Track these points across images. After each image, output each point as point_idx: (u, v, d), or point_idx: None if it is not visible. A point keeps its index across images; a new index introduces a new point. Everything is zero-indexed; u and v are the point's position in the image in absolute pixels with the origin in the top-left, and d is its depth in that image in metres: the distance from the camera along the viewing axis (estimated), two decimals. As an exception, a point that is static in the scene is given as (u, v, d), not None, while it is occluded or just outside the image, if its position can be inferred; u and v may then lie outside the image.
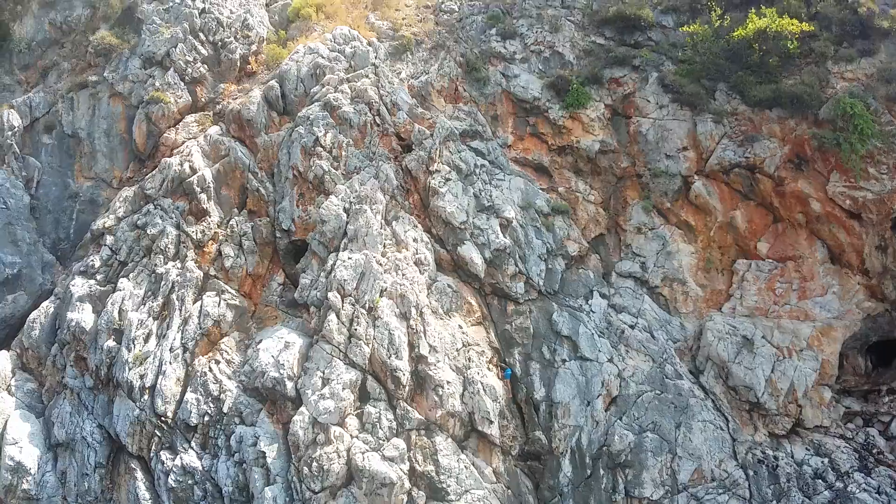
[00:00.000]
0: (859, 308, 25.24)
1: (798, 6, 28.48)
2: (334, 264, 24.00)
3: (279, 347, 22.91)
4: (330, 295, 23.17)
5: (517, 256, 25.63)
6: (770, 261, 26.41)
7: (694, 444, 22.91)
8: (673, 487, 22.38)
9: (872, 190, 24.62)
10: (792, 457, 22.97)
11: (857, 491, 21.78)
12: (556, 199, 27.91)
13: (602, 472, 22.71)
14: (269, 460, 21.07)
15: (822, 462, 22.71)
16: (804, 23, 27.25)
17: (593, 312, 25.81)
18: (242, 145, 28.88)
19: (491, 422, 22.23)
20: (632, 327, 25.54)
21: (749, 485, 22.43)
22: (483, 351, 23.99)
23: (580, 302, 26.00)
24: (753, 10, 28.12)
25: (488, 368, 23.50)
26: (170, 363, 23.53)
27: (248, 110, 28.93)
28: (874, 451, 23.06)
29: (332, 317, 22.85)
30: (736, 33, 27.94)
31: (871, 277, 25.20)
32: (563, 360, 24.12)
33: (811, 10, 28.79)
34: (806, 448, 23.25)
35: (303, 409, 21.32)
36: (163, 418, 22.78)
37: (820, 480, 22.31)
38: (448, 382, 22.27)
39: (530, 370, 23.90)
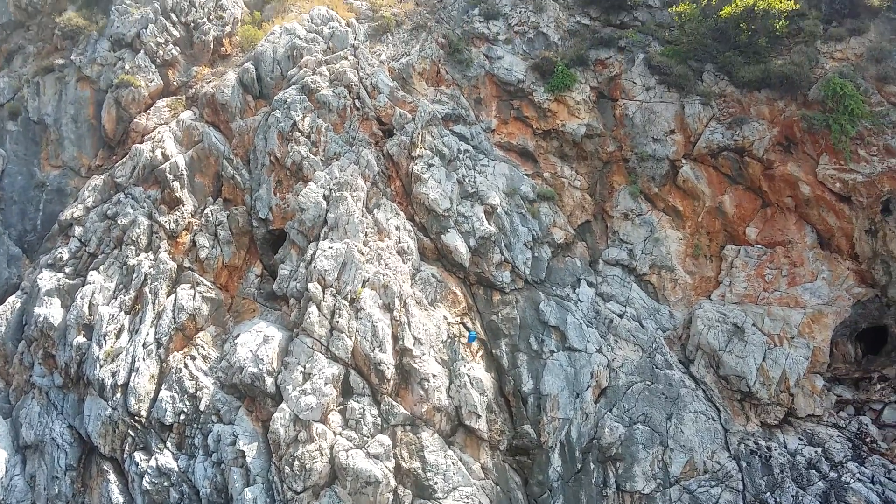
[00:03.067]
0: (849, 294, 24.82)
1: (786, -16, 27.89)
2: (314, 254, 23.15)
3: (258, 341, 22.08)
4: (310, 286, 22.33)
5: (502, 244, 24.92)
6: (759, 246, 25.92)
7: (685, 436, 22.43)
8: (665, 480, 21.89)
9: (863, 172, 24.14)
10: (785, 447, 22.57)
11: (852, 481, 21.41)
12: (542, 184, 27.20)
13: (592, 465, 22.18)
14: (248, 460, 20.30)
15: (816, 452, 22.32)
16: (792, 1, 26.62)
17: (581, 301, 25.21)
18: (217, 131, 27.85)
19: (478, 416, 21.60)
20: (620, 316, 24.97)
21: (742, 476, 21.99)
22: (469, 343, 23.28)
23: (567, 291, 25.38)
24: (741, -12, 27.49)
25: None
26: (143, 360, 22.62)
27: (222, 94, 27.88)
28: (867, 439, 22.71)
29: (312, 309, 22.03)
30: (723, 12, 27.25)
31: (861, 262, 24.78)
32: (551, 351, 23.49)
33: (799, -12, 28.21)
34: (799, 438, 22.86)
35: (283, 405, 20.53)
36: (136, 417, 21.89)
37: (814, 471, 21.92)
38: (434, 376, 21.58)
39: (518, 362, 23.25)
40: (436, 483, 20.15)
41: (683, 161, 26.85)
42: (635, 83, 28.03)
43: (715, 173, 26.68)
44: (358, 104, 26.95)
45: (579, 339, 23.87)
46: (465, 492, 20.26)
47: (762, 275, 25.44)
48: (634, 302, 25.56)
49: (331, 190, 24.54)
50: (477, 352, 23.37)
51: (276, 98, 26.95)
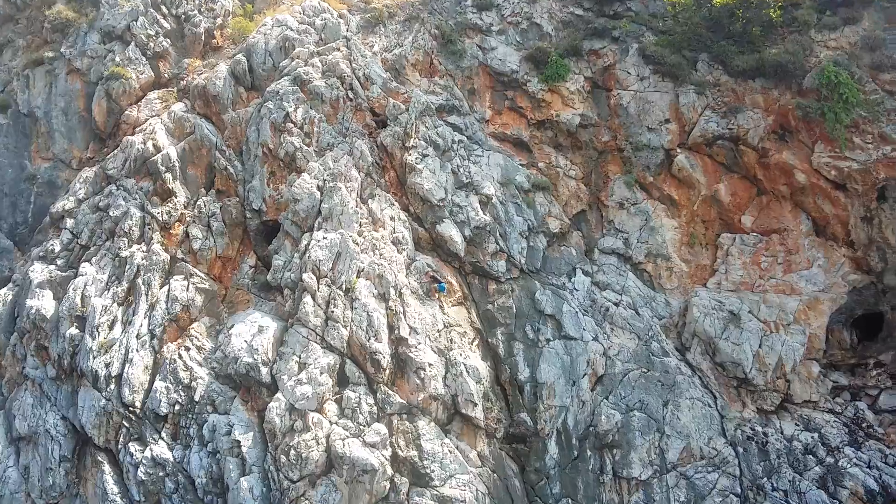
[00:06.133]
0: (845, 281, 24.84)
1: (780, -27, 27.88)
2: (308, 245, 23.02)
3: (252, 332, 21.92)
4: (305, 276, 22.20)
5: (498, 234, 24.83)
6: (755, 234, 25.92)
7: (682, 423, 22.39)
8: (661, 467, 21.85)
9: (858, 160, 24.15)
10: (781, 432, 22.55)
11: (849, 465, 21.41)
12: (537, 174, 27.12)
13: (589, 452, 22.11)
14: (244, 449, 20.16)
15: (812, 437, 22.32)
16: (786, -10, 26.66)
17: (577, 290, 25.14)
18: (209, 122, 27.69)
19: (475, 404, 21.50)
20: (616, 304, 24.92)
21: (739, 462, 21.97)
22: (465, 332, 23.23)
23: (563, 280, 25.31)
24: (735, -22, 27.45)
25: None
26: (137, 351, 22.43)
27: (213, 85, 27.72)
28: (863, 424, 22.72)
29: (307, 299, 21.89)
30: (717, 1, 27.25)
31: (857, 249, 24.79)
32: (548, 340, 23.42)
33: (793, -23, 28.19)
34: (795, 423, 22.84)
35: (279, 395, 20.39)
36: (130, 408, 21.71)
37: (810, 456, 21.91)
38: (430, 365, 21.47)
39: (514, 350, 23.16)
40: (432, 471, 20.04)
41: (678, 150, 26.83)
42: (629, 73, 27.98)
43: (710, 162, 26.66)
44: (351, 95, 26.81)
45: (575, 327, 23.80)
46: (461, 479, 20.16)
47: (758, 262, 25.42)
48: (630, 290, 25.51)
49: (324, 181, 24.39)
50: (473, 341, 23.28)
51: (268, 89, 26.79)
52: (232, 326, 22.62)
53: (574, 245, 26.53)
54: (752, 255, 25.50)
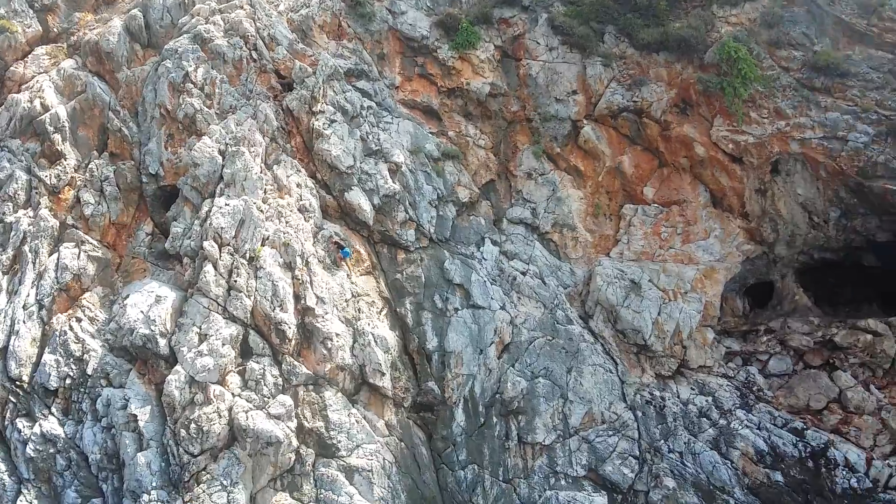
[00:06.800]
0: (739, 251, 25.92)
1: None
2: (210, 211, 22.14)
3: (149, 302, 21.00)
4: (206, 244, 21.36)
5: (407, 203, 24.59)
6: (656, 205, 26.66)
7: (585, 388, 22.98)
8: (565, 431, 22.40)
9: (754, 134, 25.07)
10: (678, 396, 23.49)
11: (740, 427, 22.52)
12: (447, 143, 26.95)
13: (495, 419, 22.43)
14: (141, 424, 19.41)
15: (707, 401, 23.34)
16: (690, -35, 27.19)
17: (485, 260, 25.27)
18: (101, 81, 26.14)
19: (383, 374, 21.38)
20: (523, 274, 25.20)
21: (638, 426, 22.78)
22: (373, 301, 23.01)
23: (472, 249, 25.39)
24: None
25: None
26: (23, 322, 21.19)
27: (107, 42, 26.13)
28: (754, 388, 23.91)
29: (208, 268, 21.10)
30: (625, -26, 27.58)
31: (751, 220, 25.88)
32: (456, 309, 23.49)
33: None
34: (691, 388, 23.82)
35: (178, 367, 19.66)
36: (17, 383, 20.55)
37: (705, 419, 22.94)
38: (337, 335, 21.18)
39: (422, 320, 23.13)
40: (339, 441, 19.88)
41: (585, 122, 27.17)
42: (538, 43, 28.03)
43: (615, 134, 27.15)
44: (255, 56, 25.80)
45: (483, 296, 23.95)
46: (368, 449, 20.09)
47: (658, 233, 26.18)
48: (537, 260, 25.83)
49: (227, 145, 23.46)
50: (381, 310, 23.08)
51: (166, 47, 25.48)
52: (127, 297, 21.61)
53: (483, 215, 26.60)
54: (652, 225, 26.25)
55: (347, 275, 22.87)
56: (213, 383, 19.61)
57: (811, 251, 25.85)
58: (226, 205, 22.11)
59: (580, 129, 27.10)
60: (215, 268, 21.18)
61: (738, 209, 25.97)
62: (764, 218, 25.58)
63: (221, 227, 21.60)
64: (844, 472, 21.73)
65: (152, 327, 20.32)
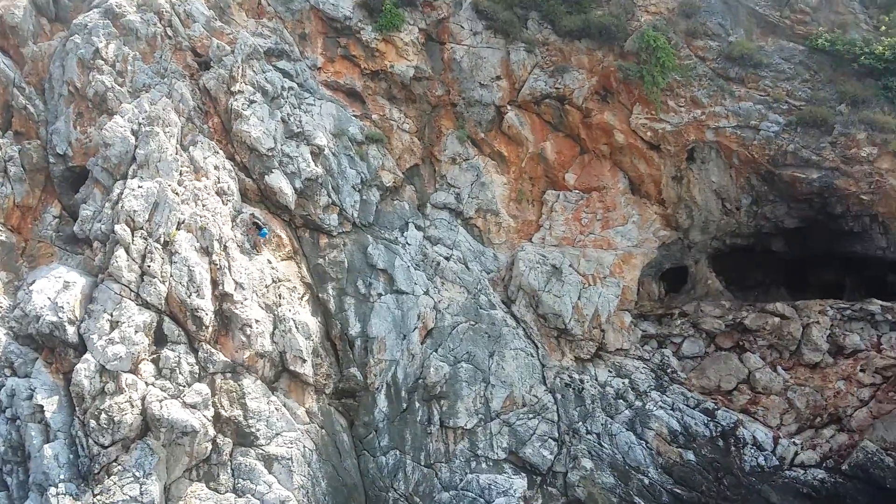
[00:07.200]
0: (656, 237, 26.63)
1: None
2: (122, 193, 21.27)
3: (57, 288, 20.10)
4: (117, 228, 20.51)
5: (330, 187, 24.25)
6: (577, 192, 27.07)
7: (506, 372, 23.27)
8: (486, 415, 22.65)
9: (671, 122, 25.69)
10: (596, 379, 24.04)
11: (654, 408, 23.25)
12: (370, 126, 26.63)
13: (418, 404, 22.49)
14: (48, 415, 18.61)
15: (623, 383, 23.98)
16: (611, -48, 27.50)
17: (409, 245, 25.19)
18: (5, 56, 24.85)
19: (304, 360, 21.12)
20: (447, 259, 25.24)
21: (557, 408, 23.24)
22: (294, 287, 22.66)
23: (396, 234, 25.25)
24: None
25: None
26: (-83, 310, 19.98)
27: (11, 15, 24.75)
28: (668, 370, 24.70)
29: (120, 252, 20.28)
30: (547, -41, 27.73)
31: (667, 207, 26.59)
32: (379, 294, 23.38)
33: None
34: (609, 370, 24.42)
35: (88, 356, 18.90)
36: (-90, 374, 19.39)
37: (621, 400, 23.57)
38: (257, 321, 20.77)
39: (345, 305, 22.94)
40: (258, 430, 19.57)
41: (509, 107, 27.30)
42: (463, 27, 27.91)
43: (538, 120, 27.38)
44: (170, 33, 24.88)
45: (407, 281, 23.89)
46: (288, 437, 19.85)
47: (579, 218, 26.62)
48: (461, 245, 25.91)
49: (140, 124, 22.56)
50: (303, 296, 22.76)
51: (75, 22, 24.35)
52: (33, 282, 20.63)
53: (407, 199, 26.48)
54: (574, 211, 26.67)
55: (268, 260, 22.42)
56: (125, 372, 18.94)
57: (724, 237, 26.79)
58: (139, 187, 21.29)
59: (504, 115, 27.21)
60: (127, 252, 20.39)
61: (655, 196, 26.63)
62: (679, 204, 26.32)
63: (134, 210, 20.78)
64: (752, 451, 22.74)
65: (60, 314, 19.46)
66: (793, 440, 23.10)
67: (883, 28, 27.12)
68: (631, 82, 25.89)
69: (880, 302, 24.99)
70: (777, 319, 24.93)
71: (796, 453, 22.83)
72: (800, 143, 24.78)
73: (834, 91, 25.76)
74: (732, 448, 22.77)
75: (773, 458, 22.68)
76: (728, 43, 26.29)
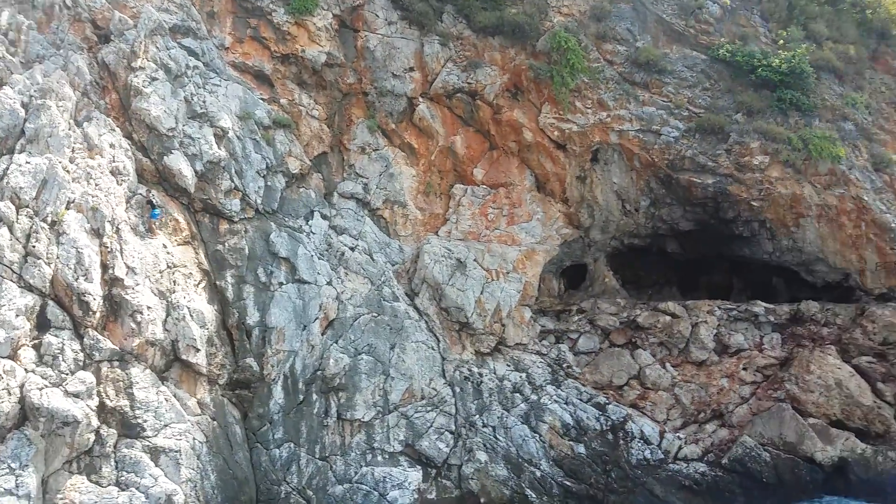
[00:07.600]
0: (558, 234, 27.27)
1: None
2: (7, 169, 20.07)
3: (-71, 268, 18.89)
4: (1, 205, 19.37)
5: (233, 171, 23.64)
6: (484, 187, 27.39)
7: (407, 365, 23.34)
8: (384, 408, 22.67)
9: (578, 123, 26.28)
10: (495, 373, 24.43)
11: (549, 402, 23.82)
12: (278, 111, 26.09)
13: (315, 396, 22.28)
14: (-85, 403, 17.49)
15: (521, 377, 24.46)
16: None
17: (314, 234, 24.88)
18: None
19: (197, 350, 20.57)
20: (352, 249, 25.08)
21: (455, 401, 23.49)
22: (191, 273, 22.01)
23: (300, 222, 24.88)
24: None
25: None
26: None
27: None
28: (564, 365, 25.36)
29: (3, 231, 19.16)
30: (464, -46, 27.81)
31: (570, 206, 27.23)
32: (280, 283, 23.00)
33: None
34: (507, 365, 24.85)
35: (-39, 342, 17.86)
36: None
37: (518, 394, 24.03)
38: (148, 308, 20.07)
39: (244, 294, 22.45)
40: (145, 421, 18.94)
41: (420, 99, 27.31)
42: (377, 16, 27.69)
43: (449, 114, 27.52)
44: (69, 3, 23.63)
45: (310, 271, 23.60)
46: (178, 429, 19.29)
47: (485, 214, 26.94)
48: (367, 235, 25.79)
49: (31, 97, 21.37)
50: (200, 283, 22.16)
51: (-39, -17, 22.80)
52: None
53: (314, 187, 26.13)
54: (480, 206, 26.96)
55: (164, 245, 21.70)
56: (4, 358, 17.95)
57: (622, 237, 27.69)
58: (27, 163, 20.18)
59: (416, 107, 27.22)
60: (11, 231, 19.30)
61: (559, 194, 27.22)
62: (582, 204, 27.00)
63: (20, 187, 19.68)
64: (640, 444, 23.61)
65: (-68, 296, 18.31)
66: (677, 434, 24.12)
67: (781, 42, 28.50)
68: (541, 81, 26.33)
69: (764, 304, 26.37)
70: (668, 318, 25.94)
71: (680, 447, 23.82)
72: (697, 149, 25.80)
73: (732, 100, 26.95)
74: (621, 442, 23.59)
75: (659, 451, 23.60)
76: (635, 48, 27.09)
